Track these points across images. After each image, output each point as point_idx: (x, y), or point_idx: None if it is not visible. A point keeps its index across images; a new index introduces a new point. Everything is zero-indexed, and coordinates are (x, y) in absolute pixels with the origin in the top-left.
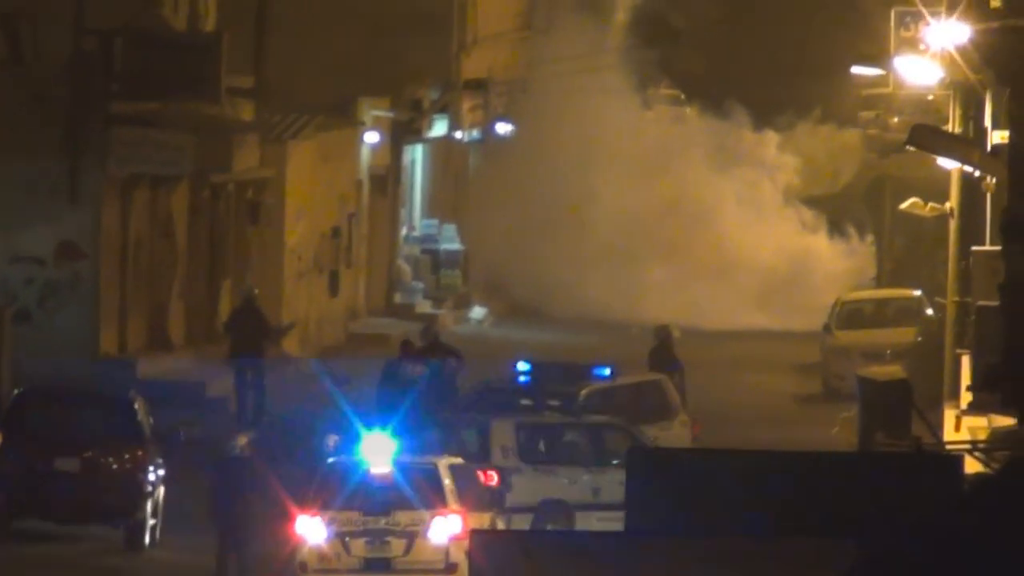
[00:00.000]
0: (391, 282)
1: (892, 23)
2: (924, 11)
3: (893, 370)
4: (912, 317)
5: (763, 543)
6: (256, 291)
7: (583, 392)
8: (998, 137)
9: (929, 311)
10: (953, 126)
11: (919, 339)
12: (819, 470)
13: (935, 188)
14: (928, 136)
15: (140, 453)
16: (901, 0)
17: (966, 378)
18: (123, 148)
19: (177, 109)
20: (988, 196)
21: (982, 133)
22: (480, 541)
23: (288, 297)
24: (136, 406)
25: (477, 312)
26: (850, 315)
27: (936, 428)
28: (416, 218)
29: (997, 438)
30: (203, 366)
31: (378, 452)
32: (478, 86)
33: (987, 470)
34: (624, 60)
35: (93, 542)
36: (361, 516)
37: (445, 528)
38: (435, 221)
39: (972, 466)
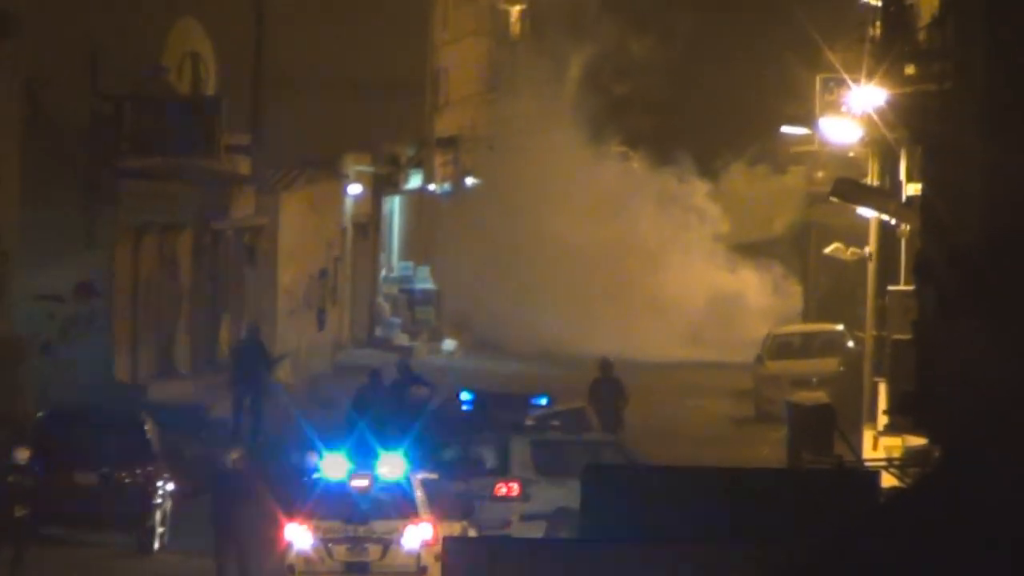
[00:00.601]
0: (372, 317)
1: (817, 88)
2: (846, 77)
3: (818, 396)
4: (835, 349)
5: (699, 549)
6: (259, 326)
7: (528, 419)
8: (912, 189)
9: (850, 344)
10: (872, 179)
11: (841, 368)
12: (752, 484)
13: (856, 234)
14: (849, 188)
15: (150, 468)
16: (826, 67)
17: (883, 403)
18: (133, 199)
19: (181, 164)
20: (903, 241)
21: (897, 186)
22: (452, 547)
23: (281, 331)
24: (146, 427)
25: (448, 344)
26: (780, 347)
27: (856, 447)
28: (394, 261)
29: (910, 456)
30: (205, 391)
31: (334, 469)
32: (449, 143)
33: (901, 484)
34: (577, 119)
35: (108, 547)
36: (343, 524)
37: (417, 535)
38: (411, 263)
39: (888, 481)
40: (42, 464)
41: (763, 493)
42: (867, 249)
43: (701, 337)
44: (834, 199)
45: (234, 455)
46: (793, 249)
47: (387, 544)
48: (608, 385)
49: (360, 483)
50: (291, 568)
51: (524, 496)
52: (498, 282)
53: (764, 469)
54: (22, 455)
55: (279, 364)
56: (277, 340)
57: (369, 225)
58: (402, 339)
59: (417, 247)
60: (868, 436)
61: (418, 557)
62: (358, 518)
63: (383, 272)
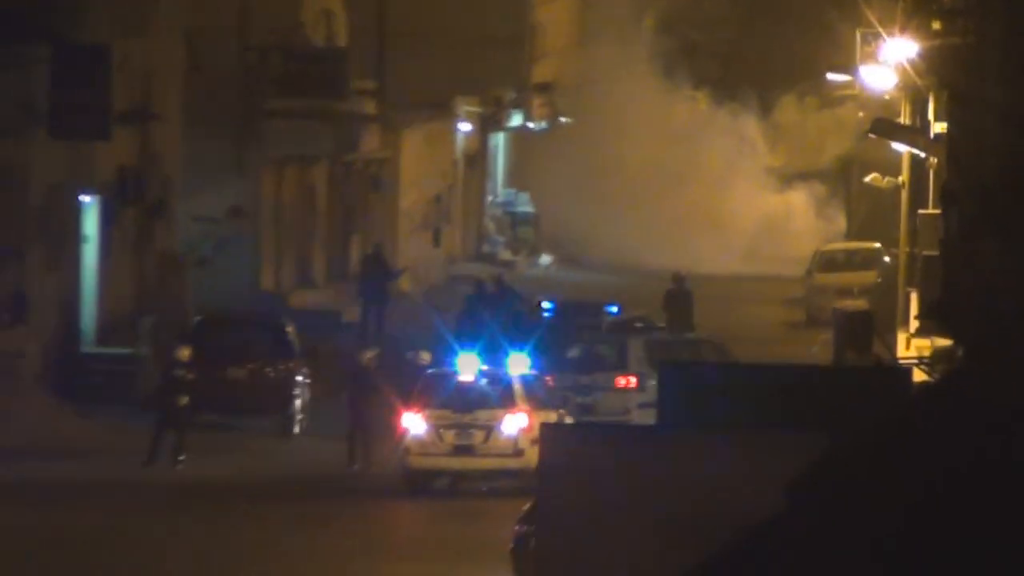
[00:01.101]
0: (480, 236)
1: (858, 40)
2: (882, 31)
3: (859, 303)
4: (874, 264)
5: (764, 434)
6: (381, 245)
7: (604, 325)
8: (939, 128)
9: (887, 259)
10: (904, 119)
11: (879, 280)
12: (805, 379)
13: (891, 165)
14: (885, 127)
15: (291, 365)
16: (865, 22)
17: (914, 310)
18: (277, 135)
19: (317, 105)
20: (931, 173)
21: (927, 125)
22: (548, 432)
23: (402, 248)
24: (288, 329)
25: (544, 259)
26: (826, 262)
27: (892, 347)
28: (499, 188)
29: (938, 355)
30: (338, 299)
31: (467, 366)
32: (544, 88)
33: (930, 379)
34: (652, 64)
35: (256, 431)
36: (451, 413)
37: (514, 423)
38: (513, 190)
39: (919, 376)
40: (201, 361)
41: (813, 387)
42: (900, 178)
43: (757, 253)
44: (872, 135)
45: (368, 355)
46: (838, 177)
47: (489, 430)
48: (680, 295)
49: (467, 377)
50: (407, 450)
51: (640, 387)
52: (586, 205)
53: (813, 366)
54: (184, 353)
55: (399, 276)
56: (399, 256)
57: (477, 157)
58: (506, 255)
59: (518, 176)
60: (902, 338)
61: (515, 441)
62: (465, 408)
63: (489, 198)
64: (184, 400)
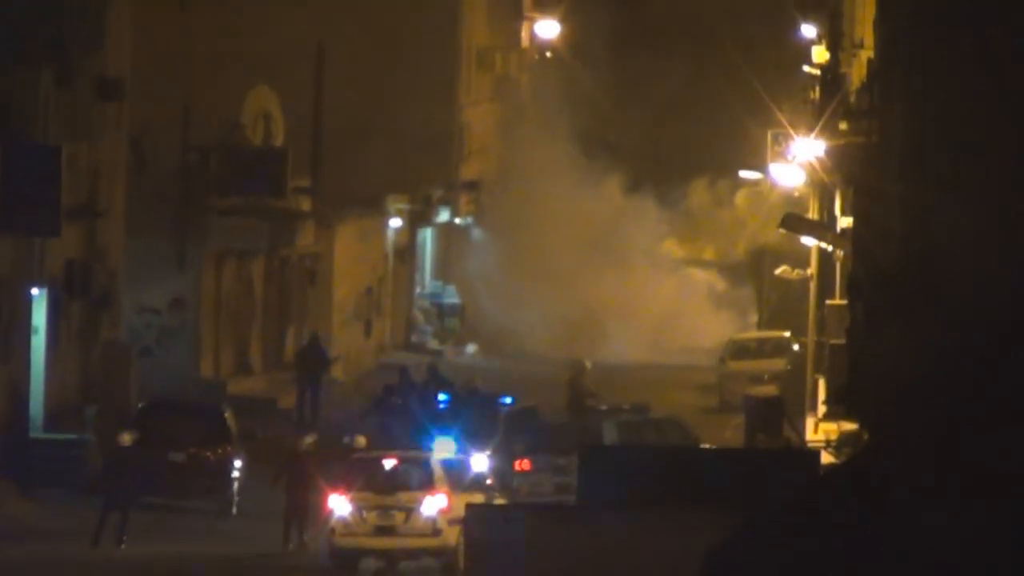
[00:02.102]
0: (409, 326)
1: (768, 140)
2: (791, 131)
3: (769, 389)
4: (783, 351)
5: (675, 512)
6: (319, 334)
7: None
8: (845, 222)
9: (796, 347)
10: (813, 214)
11: (788, 367)
12: (717, 461)
13: (800, 258)
14: (795, 221)
15: (229, 448)
16: (775, 123)
17: (822, 395)
18: (217, 231)
19: (256, 203)
20: (838, 264)
21: (833, 219)
22: (472, 512)
23: (335, 337)
24: (226, 415)
25: (470, 348)
26: (738, 349)
27: (801, 431)
28: (427, 280)
29: (844, 438)
30: (274, 386)
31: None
32: (471, 186)
33: (836, 460)
34: (571, 165)
35: (195, 512)
36: (374, 495)
37: (434, 504)
38: (440, 282)
39: (827, 458)
40: (143, 445)
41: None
42: (809, 270)
43: (668, 341)
44: (782, 230)
45: (305, 440)
46: (749, 268)
47: (409, 511)
48: (576, 383)
49: (389, 461)
50: (333, 530)
51: None
52: (507, 297)
53: (726, 449)
54: (126, 438)
55: (333, 363)
56: (333, 344)
57: (406, 251)
58: (433, 344)
59: (445, 269)
60: (810, 422)
61: (434, 521)
62: (387, 490)
63: (418, 289)
64: (127, 483)
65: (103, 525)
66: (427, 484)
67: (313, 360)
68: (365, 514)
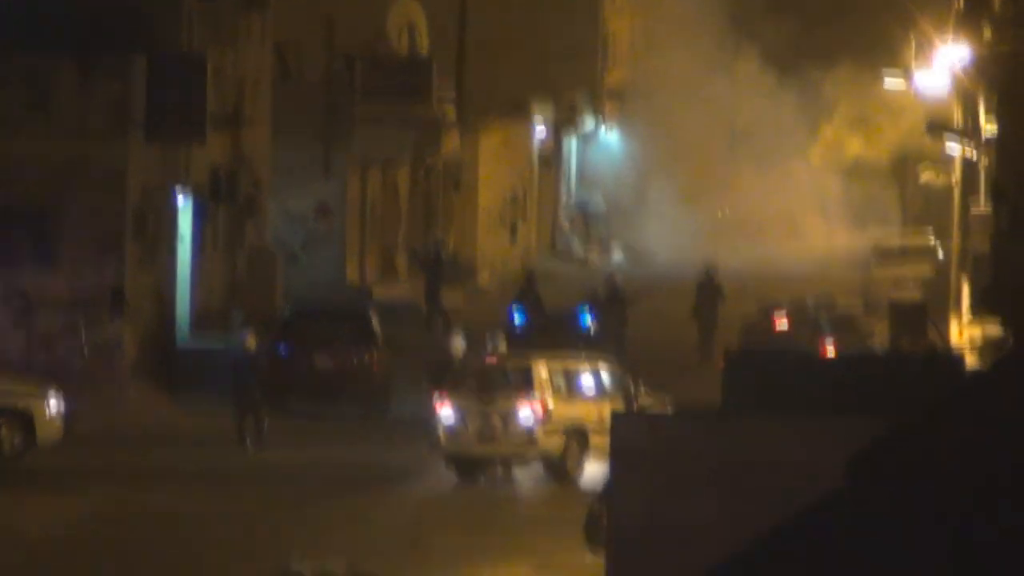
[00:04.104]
0: (554, 233)
1: (912, 46)
2: (936, 38)
3: (914, 295)
4: (928, 256)
5: (819, 418)
6: (442, 241)
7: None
8: (989, 129)
9: (940, 252)
10: (957, 120)
11: (933, 272)
12: (863, 367)
13: (943, 164)
14: (939, 127)
15: (375, 353)
16: (920, 29)
17: (966, 300)
18: (362, 139)
19: (401, 111)
20: (982, 171)
21: (977, 125)
22: (619, 420)
23: (480, 244)
24: (372, 320)
25: (616, 255)
26: (883, 254)
27: (945, 336)
28: (572, 187)
29: (988, 343)
30: (419, 292)
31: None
32: (615, 93)
33: (982, 365)
34: (711, 70)
35: (341, 417)
36: (476, 402)
37: (528, 412)
38: (585, 189)
39: (971, 362)
40: (288, 350)
41: (868, 373)
42: (953, 176)
43: (812, 247)
44: (926, 136)
45: (457, 344)
46: (892, 174)
47: (506, 418)
48: (708, 287)
49: (492, 366)
50: (439, 437)
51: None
52: (651, 202)
53: (870, 353)
54: (251, 342)
55: (457, 271)
56: (478, 251)
57: (551, 158)
58: (579, 251)
59: (590, 176)
60: (955, 327)
61: (530, 429)
62: (487, 396)
63: (563, 196)
64: (254, 388)
65: (241, 430)
66: (525, 391)
67: (437, 266)
68: (468, 421)
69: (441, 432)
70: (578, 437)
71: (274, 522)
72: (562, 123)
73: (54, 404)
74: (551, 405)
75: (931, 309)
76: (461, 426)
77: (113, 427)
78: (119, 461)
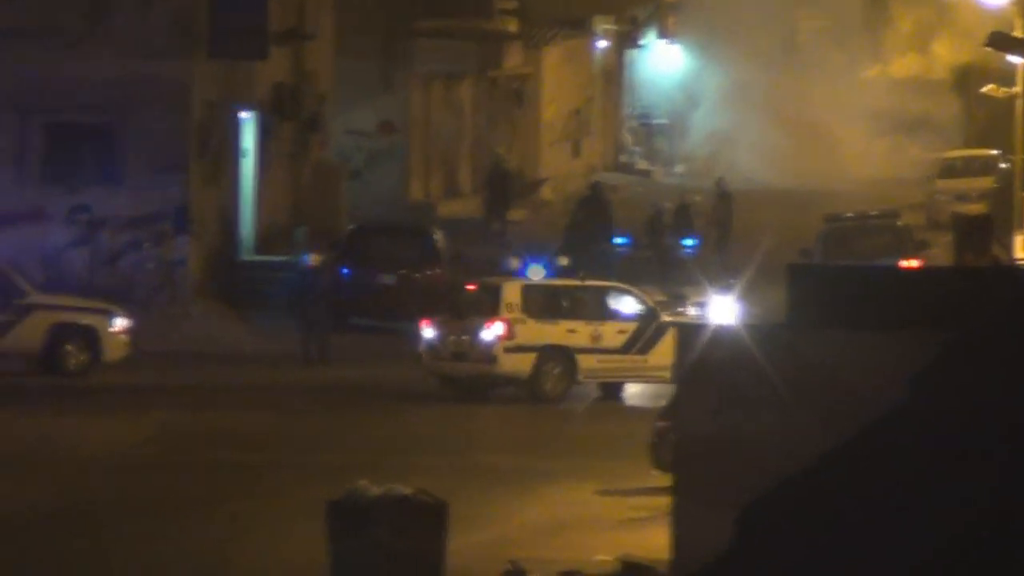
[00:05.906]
0: (618, 147)
1: None
2: None
3: (978, 207)
4: (991, 169)
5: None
6: (502, 157)
7: None
8: None
9: (1003, 165)
10: (1019, 32)
11: (996, 185)
12: (925, 279)
13: (1006, 76)
14: (1001, 40)
15: (438, 271)
16: None
17: None
18: (424, 53)
19: (463, 25)
20: None
21: None
22: (683, 332)
23: (544, 158)
24: (435, 237)
25: (679, 168)
26: (947, 168)
27: (1009, 249)
28: (635, 100)
29: None
30: (483, 208)
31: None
32: (677, 6)
33: None
34: None
35: (405, 335)
36: (452, 320)
37: (491, 331)
38: (648, 103)
39: None
40: (352, 267)
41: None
42: (1016, 89)
43: (874, 162)
44: (989, 48)
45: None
46: (954, 87)
47: (472, 337)
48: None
49: (471, 287)
50: (421, 355)
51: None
52: (714, 115)
53: (934, 267)
54: (315, 259)
55: (539, 187)
56: (540, 166)
57: (614, 72)
58: (642, 164)
59: (653, 90)
60: (1019, 240)
61: (490, 348)
62: (462, 316)
63: (627, 110)
64: (321, 304)
65: (306, 348)
66: (492, 310)
67: (500, 184)
68: (444, 340)
69: (422, 350)
70: (558, 358)
71: (338, 442)
72: (624, 36)
73: (118, 322)
74: (517, 326)
75: (995, 222)
76: (439, 345)
77: (178, 345)
78: (183, 379)
